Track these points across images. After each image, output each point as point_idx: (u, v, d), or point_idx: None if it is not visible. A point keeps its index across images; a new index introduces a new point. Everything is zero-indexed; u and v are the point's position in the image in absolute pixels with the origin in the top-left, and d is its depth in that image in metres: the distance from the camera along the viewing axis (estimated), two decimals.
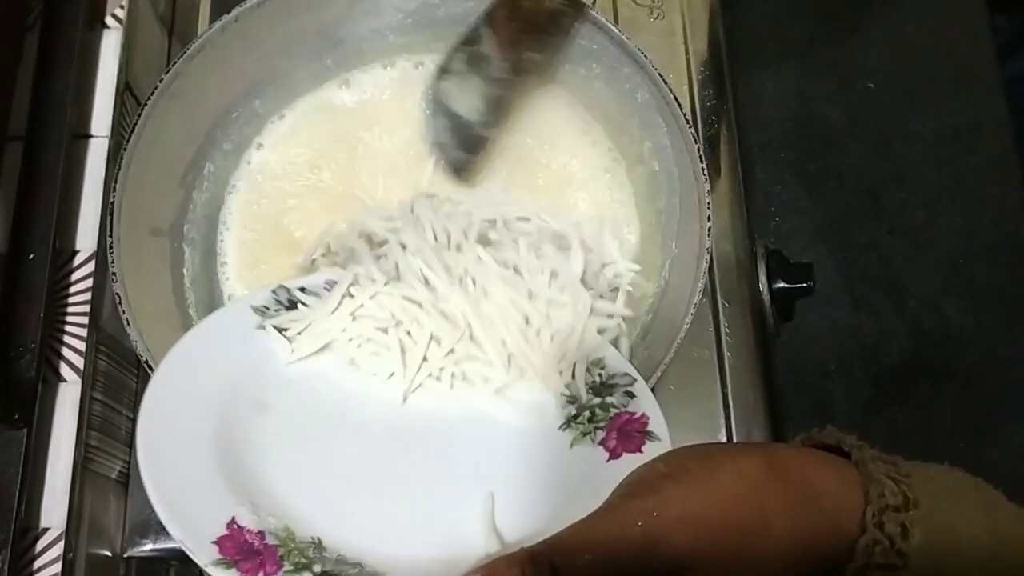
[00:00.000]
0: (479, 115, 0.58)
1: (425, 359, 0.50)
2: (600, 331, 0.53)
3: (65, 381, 0.54)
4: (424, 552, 0.45)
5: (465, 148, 0.60)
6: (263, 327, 0.50)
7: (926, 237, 0.87)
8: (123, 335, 0.50)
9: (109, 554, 0.57)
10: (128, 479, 0.59)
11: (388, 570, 0.44)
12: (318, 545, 0.45)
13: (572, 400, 0.49)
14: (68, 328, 0.54)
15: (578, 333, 0.51)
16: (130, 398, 0.60)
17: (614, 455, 0.47)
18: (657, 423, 0.47)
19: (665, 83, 0.54)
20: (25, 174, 0.54)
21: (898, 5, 0.94)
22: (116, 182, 0.52)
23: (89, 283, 0.55)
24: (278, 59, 0.60)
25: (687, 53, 0.68)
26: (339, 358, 0.51)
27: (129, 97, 0.61)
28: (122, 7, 0.61)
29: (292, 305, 0.51)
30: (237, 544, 0.44)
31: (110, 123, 0.59)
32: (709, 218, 0.52)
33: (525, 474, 0.48)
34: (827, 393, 0.82)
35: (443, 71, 0.59)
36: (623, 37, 0.55)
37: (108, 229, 0.51)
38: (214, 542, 0.44)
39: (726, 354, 0.61)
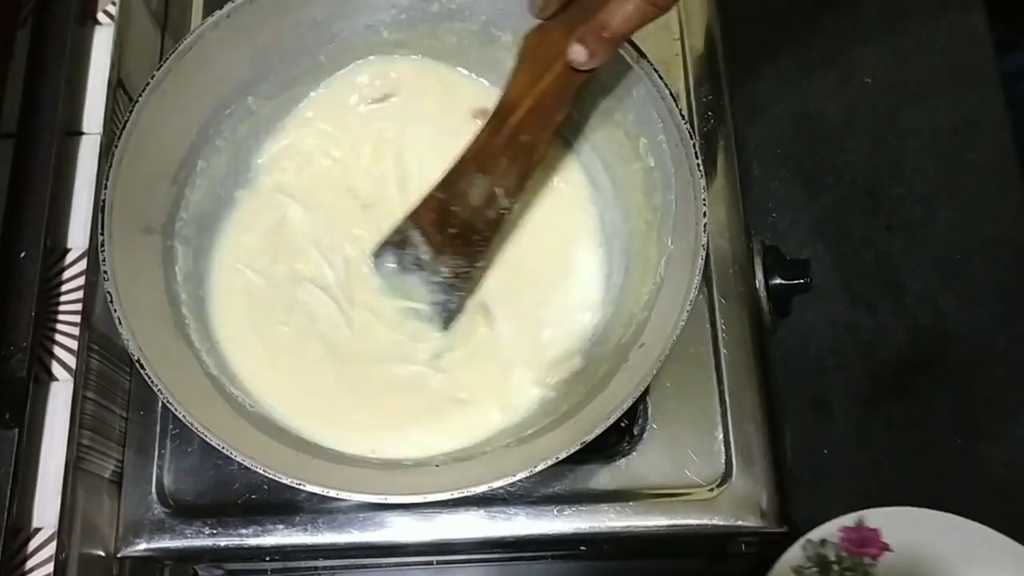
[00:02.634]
0: (433, 299, 0.57)
1: None
2: None
3: (57, 380, 0.53)
4: None
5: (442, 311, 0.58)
6: None
7: (924, 233, 0.87)
8: (115, 334, 0.50)
9: (102, 554, 0.57)
10: (121, 478, 0.59)
11: None
12: None
13: None
14: (60, 327, 0.54)
15: None
16: (122, 397, 0.60)
17: None
18: None
19: (661, 79, 0.54)
20: (16, 171, 0.54)
21: (896, 0, 0.94)
22: (108, 179, 0.52)
23: (81, 281, 0.55)
24: (271, 55, 0.59)
25: (683, 48, 0.68)
26: None
27: (121, 94, 0.61)
28: (114, 3, 0.61)
29: None
30: None
31: (102, 120, 0.59)
32: (705, 214, 0.51)
33: None
34: (824, 389, 0.82)
35: (377, 259, 0.58)
36: None
37: (100, 227, 0.51)
38: None
39: (723, 351, 0.61)
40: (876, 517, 0.66)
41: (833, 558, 0.65)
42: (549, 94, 0.51)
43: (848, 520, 0.66)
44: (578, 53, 0.49)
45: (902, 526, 0.67)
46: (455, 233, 0.55)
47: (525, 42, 0.53)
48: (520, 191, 0.54)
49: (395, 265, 0.57)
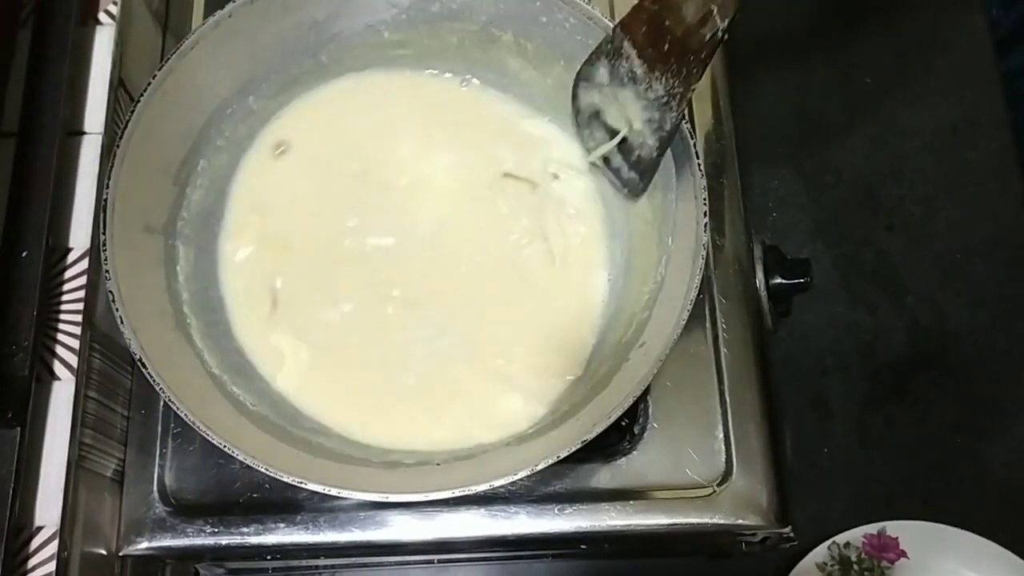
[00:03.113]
0: (640, 130, 0.55)
1: None
2: None
3: (59, 379, 0.53)
4: None
5: (632, 166, 0.56)
6: None
7: (924, 232, 0.87)
8: (117, 333, 0.50)
9: (104, 552, 0.57)
10: (123, 477, 0.59)
11: None
12: None
13: None
14: (62, 326, 0.54)
15: None
16: (124, 396, 0.60)
17: None
18: None
19: None
20: (18, 171, 0.54)
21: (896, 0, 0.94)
22: (109, 179, 0.52)
23: (83, 281, 0.55)
24: (272, 55, 0.59)
25: None
26: None
27: (123, 93, 0.61)
28: (115, 3, 0.61)
29: None
30: None
31: (103, 120, 0.59)
32: (706, 214, 0.51)
33: None
34: (824, 388, 0.82)
35: (583, 79, 0.56)
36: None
37: (101, 226, 0.51)
38: None
39: (723, 350, 0.61)
40: (898, 528, 0.74)
41: (854, 559, 0.72)
42: None
43: (872, 528, 0.73)
44: None
45: (920, 538, 0.74)
46: (668, 49, 0.51)
47: None
48: (738, 11, 0.50)
49: (607, 78, 0.55)
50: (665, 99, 0.52)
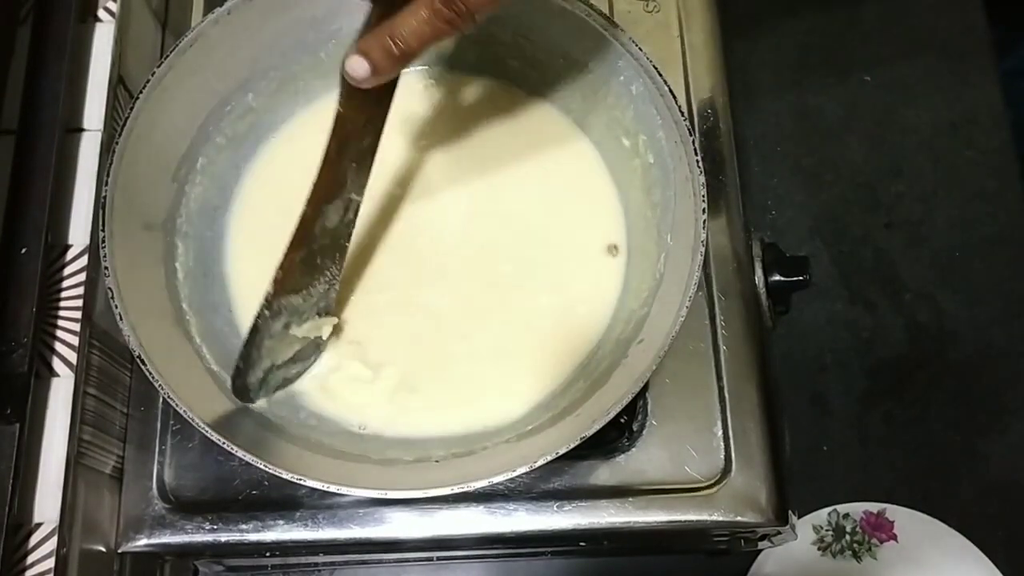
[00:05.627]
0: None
1: None
2: None
3: (58, 376, 0.53)
4: None
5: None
6: None
7: (922, 230, 0.87)
8: (116, 330, 0.50)
9: (103, 549, 0.57)
10: (122, 474, 0.59)
11: None
12: None
13: None
14: (61, 323, 0.54)
15: None
16: (123, 393, 0.60)
17: None
18: None
19: (660, 76, 0.54)
20: (17, 168, 0.54)
21: None
22: (108, 176, 0.52)
23: (82, 277, 0.55)
24: (272, 53, 0.60)
25: (682, 46, 0.68)
26: None
27: (122, 91, 0.61)
28: (115, 0, 0.61)
29: None
30: None
31: (103, 117, 0.59)
32: (704, 211, 0.51)
33: None
34: (823, 386, 0.82)
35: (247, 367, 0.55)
36: (618, 29, 0.55)
37: (100, 223, 0.51)
38: None
39: (722, 347, 0.61)
40: (896, 513, 0.77)
41: (848, 530, 0.77)
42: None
43: (873, 507, 0.78)
44: (357, 67, 0.42)
45: (915, 527, 0.77)
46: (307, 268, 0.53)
47: None
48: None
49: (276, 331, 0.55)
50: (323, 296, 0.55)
